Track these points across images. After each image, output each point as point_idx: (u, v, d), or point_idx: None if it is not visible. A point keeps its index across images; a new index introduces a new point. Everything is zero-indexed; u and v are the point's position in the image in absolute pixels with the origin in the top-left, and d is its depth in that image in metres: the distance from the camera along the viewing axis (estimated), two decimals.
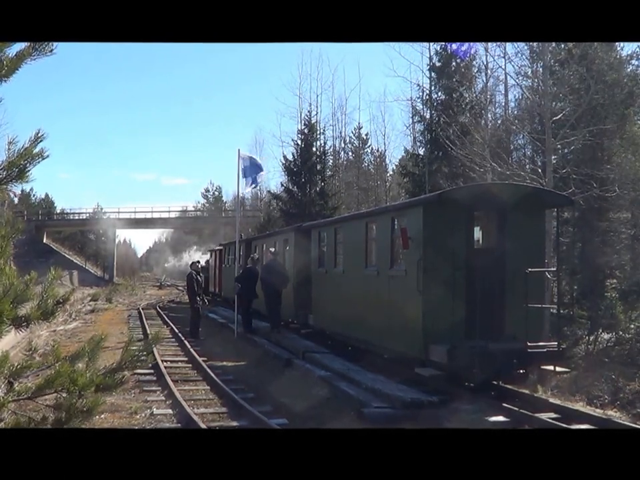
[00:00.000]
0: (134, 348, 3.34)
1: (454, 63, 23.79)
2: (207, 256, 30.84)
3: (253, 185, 16.37)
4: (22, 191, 64.65)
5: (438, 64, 24.20)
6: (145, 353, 3.28)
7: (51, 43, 2.84)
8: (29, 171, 2.89)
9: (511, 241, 9.24)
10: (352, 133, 39.55)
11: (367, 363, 11.04)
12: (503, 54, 18.16)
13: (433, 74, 24.47)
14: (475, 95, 22.24)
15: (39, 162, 2.90)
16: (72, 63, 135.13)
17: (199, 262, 18.22)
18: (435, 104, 23.84)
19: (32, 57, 2.86)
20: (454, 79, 22.77)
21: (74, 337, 15.77)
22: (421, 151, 25.80)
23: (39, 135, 2.89)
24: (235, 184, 15.94)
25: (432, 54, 24.45)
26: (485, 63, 20.64)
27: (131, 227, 69.67)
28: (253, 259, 16.42)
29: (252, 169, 15.47)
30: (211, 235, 47.93)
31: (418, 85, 25.73)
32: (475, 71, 23.85)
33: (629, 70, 19.06)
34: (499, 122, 21.73)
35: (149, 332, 15.83)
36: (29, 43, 2.83)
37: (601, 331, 16.10)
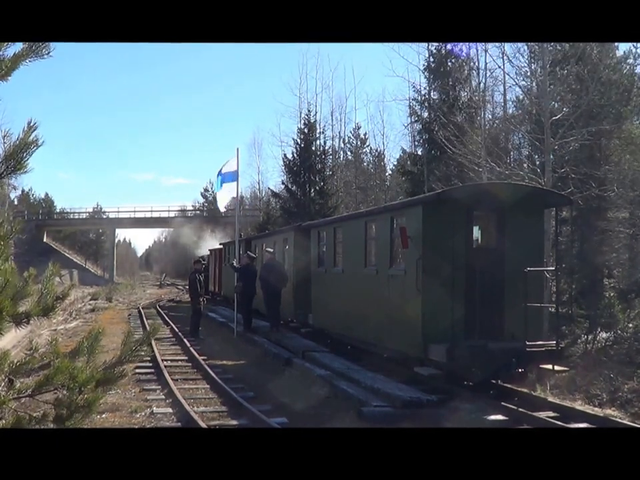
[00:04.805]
0: (134, 341, 3.34)
1: (450, 63, 23.79)
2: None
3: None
4: (22, 190, 64.66)
5: (434, 64, 24.20)
6: (144, 345, 3.29)
7: (47, 44, 2.86)
8: (25, 161, 2.91)
9: (510, 240, 9.25)
10: (351, 132, 39.59)
11: (366, 362, 11.07)
12: (502, 54, 18.14)
13: (429, 74, 24.49)
14: (471, 95, 22.23)
15: (34, 150, 2.92)
16: (71, 63, 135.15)
17: (202, 260, 18.21)
18: (432, 104, 23.85)
19: (29, 58, 2.88)
20: (450, 79, 22.78)
21: (75, 336, 15.77)
22: (420, 151, 25.83)
23: (32, 123, 2.91)
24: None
25: (429, 54, 24.48)
26: (485, 64, 20.64)
27: (131, 227, 69.72)
28: (250, 256, 16.44)
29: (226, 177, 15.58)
30: (210, 234, 47.96)
31: (414, 86, 25.80)
32: (468, 70, 23.86)
33: (625, 70, 19.06)
34: (497, 121, 21.72)
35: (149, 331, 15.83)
36: (26, 44, 2.85)
37: (599, 329, 16.12)
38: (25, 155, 2.88)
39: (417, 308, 8.99)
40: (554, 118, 15.57)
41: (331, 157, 35.30)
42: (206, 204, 74.95)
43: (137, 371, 10.32)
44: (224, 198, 16.40)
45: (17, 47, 2.88)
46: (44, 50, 2.86)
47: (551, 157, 15.74)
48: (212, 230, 45.92)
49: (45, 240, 61.11)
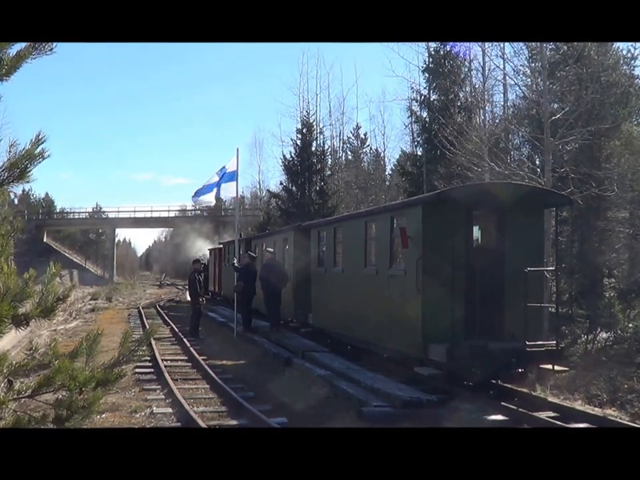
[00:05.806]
0: (132, 341, 3.34)
1: (448, 63, 23.77)
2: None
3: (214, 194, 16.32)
4: (22, 190, 64.69)
5: (432, 65, 24.18)
6: (142, 345, 3.29)
7: (50, 42, 2.86)
8: (29, 171, 2.91)
9: (510, 240, 9.25)
10: (351, 132, 39.61)
11: (366, 362, 11.06)
12: (502, 54, 18.12)
13: (428, 75, 24.48)
14: (470, 95, 22.23)
15: (39, 162, 2.92)
16: (71, 63, 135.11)
17: (201, 260, 18.23)
18: (431, 104, 23.83)
19: (32, 56, 2.87)
20: (448, 80, 22.77)
21: (75, 336, 15.77)
22: (419, 151, 25.81)
23: (40, 136, 2.91)
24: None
25: (429, 55, 24.46)
26: (482, 63, 20.61)
27: (131, 227, 69.72)
28: (250, 256, 16.47)
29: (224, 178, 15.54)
30: (210, 234, 47.99)
31: (412, 87, 25.79)
32: (467, 71, 23.86)
33: (624, 71, 19.05)
34: (497, 121, 21.71)
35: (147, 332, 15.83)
36: (28, 42, 2.84)
37: (599, 329, 16.11)
38: (29, 165, 2.88)
39: (417, 308, 8.98)
40: (554, 118, 15.56)
41: (330, 156, 35.31)
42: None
43: (137, 370, 10.32)
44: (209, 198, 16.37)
45: (19, 46, 2.88)
46: (46, 47, 2.86)
47: (551, 157, 15.72)
48: (214, 231, 45.99)
49: (45, 240, 61.15)
